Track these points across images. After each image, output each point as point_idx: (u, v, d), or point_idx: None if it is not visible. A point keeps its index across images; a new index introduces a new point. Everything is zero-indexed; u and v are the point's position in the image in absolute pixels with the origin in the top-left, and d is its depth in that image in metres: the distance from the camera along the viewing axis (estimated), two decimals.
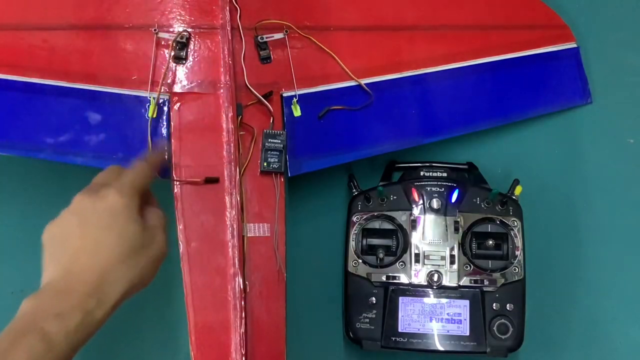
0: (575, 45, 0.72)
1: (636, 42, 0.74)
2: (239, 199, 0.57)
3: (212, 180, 0.57)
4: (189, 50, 0.61)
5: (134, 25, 0.62)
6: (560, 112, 0.72)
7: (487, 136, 0.70)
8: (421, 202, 0.62)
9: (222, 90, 0.60)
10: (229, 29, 0.61)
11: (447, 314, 0.60)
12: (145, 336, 0.65)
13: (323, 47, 0.63)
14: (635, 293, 0.66)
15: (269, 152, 0.59)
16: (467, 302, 0.60)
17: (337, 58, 0.63)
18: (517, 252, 0.61)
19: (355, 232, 0.62)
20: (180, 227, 0.57)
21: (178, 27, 0.62)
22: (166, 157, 0.58)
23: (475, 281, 0.60)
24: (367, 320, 0.60)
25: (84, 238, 0.46)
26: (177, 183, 0.58)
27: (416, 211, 0.62)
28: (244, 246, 0.56)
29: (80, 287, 0.44)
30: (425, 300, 0.60)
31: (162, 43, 0.61)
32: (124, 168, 0.50)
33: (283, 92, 0.62)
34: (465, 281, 0.60)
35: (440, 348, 0.60)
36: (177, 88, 0.61)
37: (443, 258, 0.61)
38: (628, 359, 0.65)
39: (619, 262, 0.67)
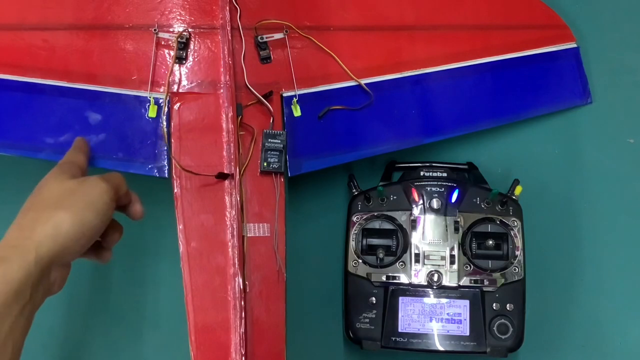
0: (575, 45, 0.72)
1: (636, 42, 0.74)
2: (239, 199, 0.57)
3: (224, 176, 0.57)
4: (189, 50, 0.61)
5: (134, 25, 0.62)
6: (560, 112, 0.72)
7: (487, 136, 0.70)
8: (421, 202, 0.62)
9: (222, 90, 0.60)
10: (229, 29, 0.61)
11: (447, 314, 0.60)
12: (145, 336, 0.65)
13: (323, 47, 0.63)
14: (635, 293, 0.66)
15: (269, 152, 0.59)
16: (467, 302, 0.60)
17: (337, 58, 0.63)
18: (517, 252, 0.61)
19: (355, 232, 0.62)
20: (180, 227, 0.57)
21: (178, 27, 0.62)
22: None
23: (475, 281, 0.60)
24: (367, 320, 0.60)
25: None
26: (178, 183, 0.58)
27: (416, 211, 0.62)
28: (244, 246, 0.56)
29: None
30: (425, 300, 0.60)
31: (162, 43, 0.61)
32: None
33: (283, 92, 0.62)
34: (465, 281, 0.60)
35: (440, 348, 0.60)
36: (177, 88, 0.61)
37: (443, 258, 0.61)
38: (628, 359, 0.65)
39: (619, 262, 0.67)
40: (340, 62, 0.63)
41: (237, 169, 0.57)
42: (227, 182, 0.58)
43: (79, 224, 0.46)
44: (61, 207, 0.46)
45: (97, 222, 0.48)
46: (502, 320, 0.60)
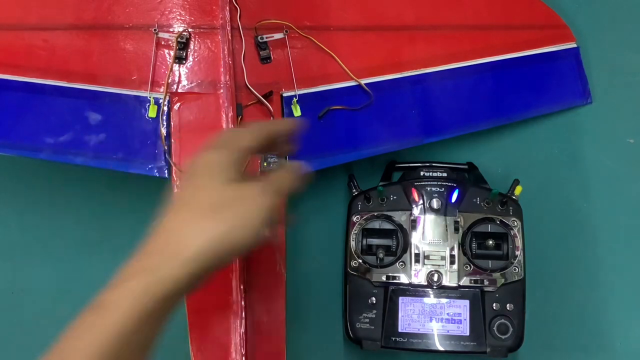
0: (575, 45, 0.72)
1: (636, 42, 0.74)
2: None
3: None
4: (189, 50, 0.61)
5: (134, 25, 0.62)
6: (560, 112, 0.71)
7: (487, 136, 0.70)
8: (421, 202, 0.62)
9: (222, 90, 0.60)
10: (229, 29, 0.61)
11: (447, 314, 0.60)
12: None
13: (323, 47, 0.63)
14: (635, 293, 0.66)
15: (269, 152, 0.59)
16: (467, 302, 0.60)
17: (337, 58, 0.63)
18: (517, 252, 0.61)
19: (355, 232, 0.62)
20: None
21: (178, 27, 0.62)
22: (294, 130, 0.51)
23: (475, 281, 0.60)
24: (367, 320, 0.60)
25: (176, 193, 0.45)
26: (178, 182, 0.58)
27: (416, 211, 0.62)
28: None
29: (146, 246, 0.42)
30: (425, 300, 0.60)
31: (162, 43, 0.61)
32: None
33: (283, 92, 0.62)
34: (465, 281, 0.60)
35: (440, 348, 0.60)
36: (177, 88, 0.61)
37: (443, 258, 0.61)
38: (628, 359, 0.65)
39: (619, 262, 0.67)
40: (340, 62, 0.63)
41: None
42: None
43: (231, 245, 0.42)
44: (214, 219, 0.42)
45: (249, 242, 0.43)
46: (502, 320, 0.60)
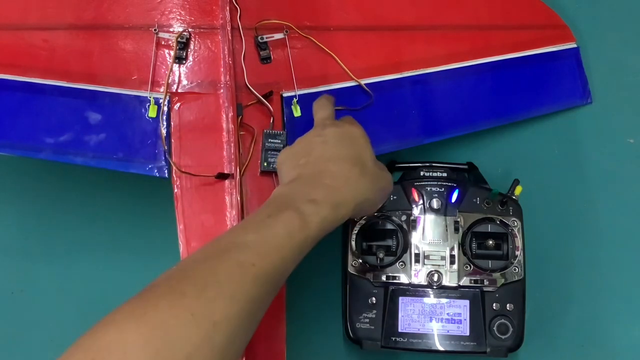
0: (575, 45, 0.72)
1: (636, 42, 0.74)
2: (239, 199, 0.57)
3: (224, 176, 0.57)
4: (189, 50, 0.61)
5: (134, 25, 0.62)
6: (560, 112, 0.72)
7: (487, 136, 0.70)
8: (421, 202, 0.62)
9: (222, 90, 0.60)
10: (229, 29, 0.61)
11: (447, 314, 0.60)
12: None
13: (323, 47, 0.63)
14: (635, 293, 0.66)
15: (269, 152, 0.59)
16: (467, 302, 0.60)
17: (337, 58, 0.63)
18: (517, 252, 0.61)
19: (355, 232, 0.62)
20: (180, 227, 0.57)
21: (178, 27, 0.62)
22: None
23: (475, 281, 0.60)
24: (367, 320, 0.60)
25: (327, 150, 0.50)
26: (178, 183, 0.58)
27: (416, 211, 0.62)
28: None
29: (329, 181, 0.48)
30: (425, 300, 0.60)
31: (162, 43, 0.61)
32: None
33: (283, 92, 0.62)
34: (465, 281, 0.60)
35: (440, 348, 0.60)
36: (177, 88, 0.61)
37: (443, 258, 0.61)
38: (628, 359, 0.65)
39: (619, 262, 0.67)
40: (340, 62, 0.63)
41: (237, 169, 0.57)
42: (227, 182, 0.58)
43: (370, 207, 0.53)
44: (373, 180, 0.52)
45: (380, 202, 0.55)
46: (502, 320, 0.60)
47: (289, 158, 0.52)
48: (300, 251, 0.45)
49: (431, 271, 0.60)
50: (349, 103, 0.64)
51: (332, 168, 0.49)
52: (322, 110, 0.56)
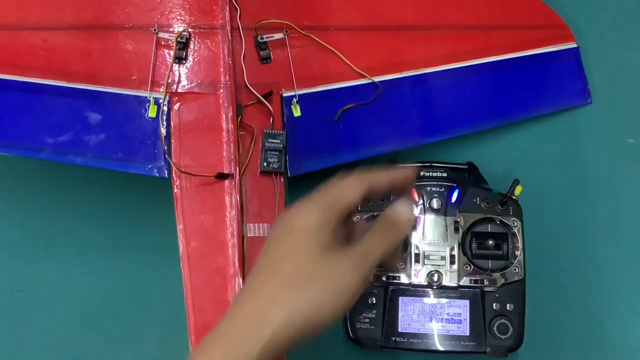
0: (575, 45, 0.72)
1: (636, 42, 0.74)
2: (239, 199, 0.57)
3: (224, 176, 0.57)
4: (189, 50, 0.61)
5: (134, 25, 0.62)
6: (560, 112, 0.71)
7: (487, 136, 0.70)
8: (421, 202, 0.62)
9: (222, 90, 0.60)
10: (228, 29, 0.61)
11: (447, 314, 0.60)
12: (145, 336, 0.65)
13: (325, 44, 0.63)
14: (635, 293, 0.66)
15: (269, 152, 0.59)
16: (467, 302, 0.60)
17: (339, 53, 0.63)
18: (517, 252, 0.61)
19: None
20: (180, 227, 0.57)
21: (178, 27, 0.62)
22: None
23: (475, 281, 0.60)
24: (367, 320, 0.60)
25: (261, 254, 0.40)
26: (178, 183, 0.58)
27: (416, 211, 0.62)
28: (244, 246, 0.56)
29: (227, 319, 0.39)
30: (425, 300, 0.60)
31: (162, 43, 0.61)
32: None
33: (283, 92, 0.62)
34: (465, 281, 0.60)
35: (440, 348, 0.60)
36: (177, 88, 0.61)
37: (443, 258, 0.61)
38: (628, 359, 0.65)
39: (619, 262, 0.67)
40: (342, 57, 0.63)
41: (237, 169, 0.57)
42: (227, 182, 0.58)
43: (317, 321, 0.39)
44: (301, 292, 0.38)
45: (336, 318, 0.39)
46: (502, 320, 0.60)
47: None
48: None
49: (431, 271, 0.60)
50: (349, 102, 0.64)
51: (246, 283, 0.40)
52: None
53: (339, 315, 0.39)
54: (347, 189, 0.42)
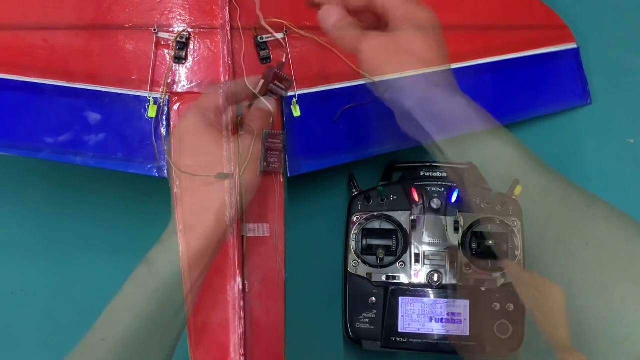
0: (575, 46, 0.72)
1: (636, 42, 0.74)
2: (238, 199, 0.57)
3: (224, 176, 0.57)
4: (188, 50, 0.61)
5: (134, 25, 0.62)
6: (560, 112, 0.71)
7: None
8: (421, 202, 0.62)
9: (221, 91, 0.60)
10: (228, 29, 0.61)
11: (447, 314, 0.60)
12: None
13: (325, 44, 0.63)
14: (635, 293, 0.66)
15: (269, 152, 0.59)
16: (467, 302, 0.60)
17: (339, 54, 0.63)
18: (517, 252, 0.61)
19: (355, 232, 0.62)
20: (180, 227, 0.57)
21: (178, 27, 0.62)
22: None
23: (475, 281, 0.60)
24: (367, 320, 0.60)
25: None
26: (178, 182, 0.57)
27: (416, 211, 0.62)
28: (243, 246, 0.56)
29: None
30: (425, 300, 0.60)
31: (162, 43, 0.61)
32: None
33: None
34: (465, 281, 0.60)
35: (440, 348, 0.60)
36: (177, 88, 0.61)
37: (443, 258, 0.61)
38: (628, 359, 0.65)
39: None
40: (343, 57, 0.63)
41: (237, 169, 0.57)
42: (226, 182, 0.57)
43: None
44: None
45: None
46: (502, 320, 0.60)
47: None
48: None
49: (431, 271, 0.60)
50: (348, 103, 0.64)
51: None
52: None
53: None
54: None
